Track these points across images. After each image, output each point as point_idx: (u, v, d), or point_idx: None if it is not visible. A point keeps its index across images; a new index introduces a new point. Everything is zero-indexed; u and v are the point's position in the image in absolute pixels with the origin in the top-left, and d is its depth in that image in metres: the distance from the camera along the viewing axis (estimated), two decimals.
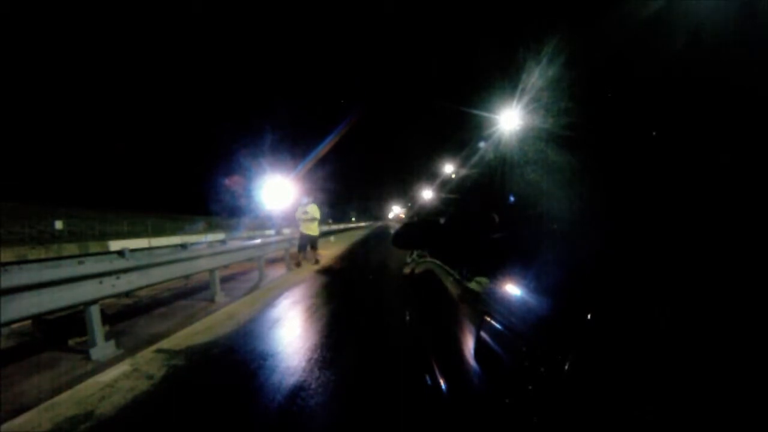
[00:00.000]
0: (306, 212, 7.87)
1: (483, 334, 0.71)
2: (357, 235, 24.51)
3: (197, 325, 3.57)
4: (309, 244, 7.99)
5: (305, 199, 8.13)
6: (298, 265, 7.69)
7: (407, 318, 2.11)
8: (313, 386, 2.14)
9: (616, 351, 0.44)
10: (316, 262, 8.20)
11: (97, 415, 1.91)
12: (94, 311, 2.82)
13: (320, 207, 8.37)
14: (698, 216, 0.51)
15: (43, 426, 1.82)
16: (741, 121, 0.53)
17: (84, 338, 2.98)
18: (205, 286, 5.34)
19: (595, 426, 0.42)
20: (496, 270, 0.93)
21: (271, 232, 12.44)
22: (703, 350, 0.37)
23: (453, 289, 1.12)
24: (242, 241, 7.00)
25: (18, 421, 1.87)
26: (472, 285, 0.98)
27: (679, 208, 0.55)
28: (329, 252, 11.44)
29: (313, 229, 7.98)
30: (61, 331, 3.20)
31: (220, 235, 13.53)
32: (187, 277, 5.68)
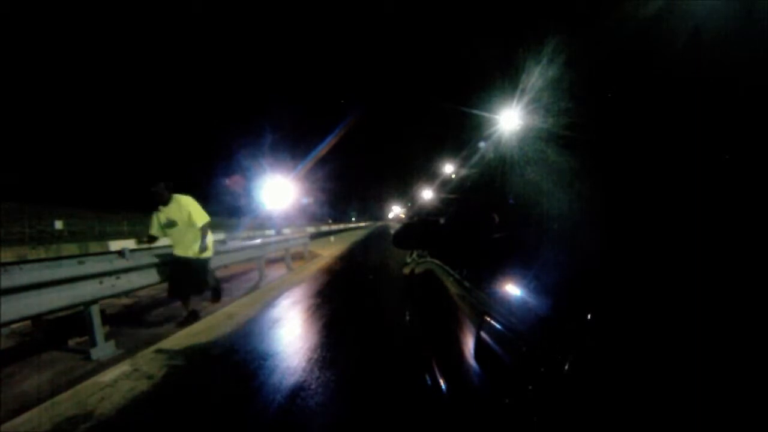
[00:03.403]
0: (169, 221, 3.59)
1: (483, 334, 0.71)
2: (357, 236, 24.50)
3: (197, 325, 3.57)
4: (193, 281, 3.74)
5: (161, 186, 3.58)
6: (188, 320, 3.64)
7: (407, 318, 2.11)
8: (312, 386, 2.13)
9: (616, 351, 0.44)
10: (215, 299, 4.45)
11: (97, 415, 1.91)
12: (94, 311, 2.82)
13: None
14: (698, 216, 0.51)
15: (43, 426, 1.82)
16: (741, 121, 0.53)
17: (84, 338, 2.98)
18: None
19: (595, 426, 0.42)
20: (496, 270, 0.93)
21: (271, 232, 12.44)
22: (703, 350, 0.37)
23: (453, 289, 1.12)
24: (242, 241, 6.99)
25: (18, 421, 1.87)
26: (472, 285, 0.98)
27: (679, 208, 0.55)
28: (329, 252, 11.44)
29: (190, 247, 3.67)
30: (61, 331, 3.20)
31: (219, 235, 13.52)
32: None
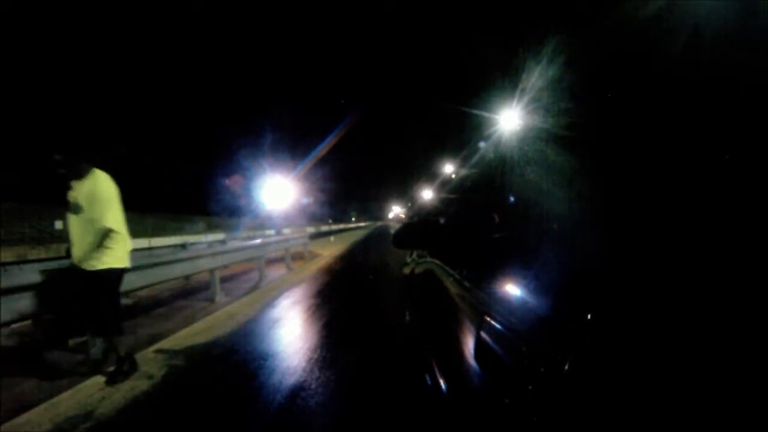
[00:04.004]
0: (74, 205, 2.27)
1: (483, 334, 0.71)
2: (357, 235, 24.51)
3: (197, 325, 3.57)
4: (90, 307, 2.35)
5: (83, 157, 2.34)
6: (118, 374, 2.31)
7: (407, 318, 2.11)
8: (312, 386, 2.13)
9: (616, 351, 0.44)
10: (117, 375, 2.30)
11: (97, 415, 1.91)
12: None
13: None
14: (698, 216, 0.51)
15: (43, 426, 1.82)
16: (741, 122, 0.53)
17: (84, 338, 2.97)
18: (205, 286, 5.33)
19: (595, 426, 0.42)
20: (496, 270, 0.93)
21: (271, 232, 12.44)
22: (702, 350, 0.37)
23: (453, 289, 1.12)
24: (242, 241, 6.99)
25: (18, 421, 1.87)
26: (472, 285, 0.98)
27: (679, 208, 0.55)
28: (329, 252, 11.44)
29: (86, 251, 2.25)
30: (61, 331, 3.20)
31: (220, 235, 13.56)
32: (187, 277, 5.68)
